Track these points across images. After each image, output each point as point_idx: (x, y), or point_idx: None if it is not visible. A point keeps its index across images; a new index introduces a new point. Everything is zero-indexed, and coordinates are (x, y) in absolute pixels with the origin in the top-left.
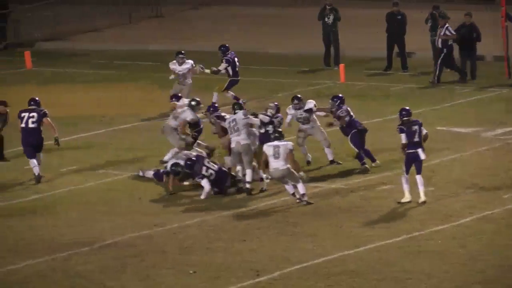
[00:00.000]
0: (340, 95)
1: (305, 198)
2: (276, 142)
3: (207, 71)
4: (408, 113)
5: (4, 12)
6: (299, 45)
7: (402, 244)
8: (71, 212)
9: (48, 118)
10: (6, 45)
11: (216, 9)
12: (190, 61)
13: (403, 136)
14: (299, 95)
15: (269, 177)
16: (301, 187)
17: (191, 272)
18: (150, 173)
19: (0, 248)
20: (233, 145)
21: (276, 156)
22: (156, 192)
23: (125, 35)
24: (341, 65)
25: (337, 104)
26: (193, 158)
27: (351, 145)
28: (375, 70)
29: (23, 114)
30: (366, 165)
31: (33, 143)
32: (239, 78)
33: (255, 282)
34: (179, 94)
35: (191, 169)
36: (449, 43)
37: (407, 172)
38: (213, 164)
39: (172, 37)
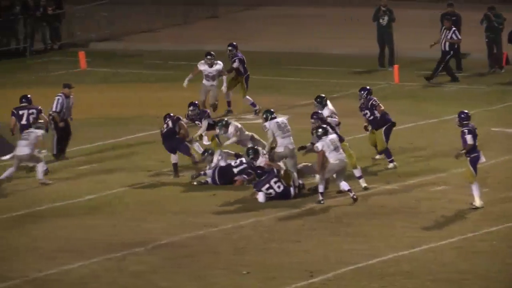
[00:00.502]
0: (368, 87)
1: (352, 194)
2: (330, 136)
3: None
4: (468, 117)
5: (58, 12)
6: (353, 45)
7: (456, 245)
8: (125, 213)
9: (43, 114)
10: (60, 46)
11: (271, 10)
12: (221, 63)
13: (469, 137)
14: (322, 95)
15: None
16: (345, 184)
17: (244, 272)
18: (208, 176)
19: (55, 248)
20: (281, 149)
21: (337, 149)
22: (210, 192)
23: (180, 36)
24: (396, 66)
25: (365, 95)
26: (264, 170)
27: (383, 137)
28: (430, 71)
29: (21, 112)
30: (395, 162)
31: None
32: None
33: (308, 283)
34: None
35: (259, 176)
36: (455, 46)
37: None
38: (280, 185)
39: (227, 37)
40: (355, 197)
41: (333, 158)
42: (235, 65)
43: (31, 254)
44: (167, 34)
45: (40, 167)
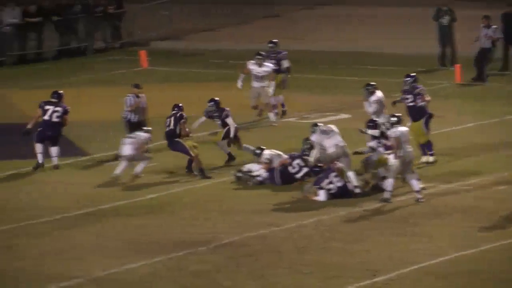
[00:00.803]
0: (413, 74)
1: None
2: (402, 128)
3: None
4: None
5: (119, 11)
6: (414, 45)
7: None
8: (187, 212)
9: (67, 116)
10: (121, 45)
11: (328, 9)
12: (271, 65)
13: None
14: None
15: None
16: (416, 184)
17: (306, 272)
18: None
19: (118, 247)
20: (331, 149)
21: (407, 142)
22: (272, 191)
23: (239, 35)
24: (457, 66)
25: (410, 81)
26: (321, 166)
27: (424, 129)
28: (491, 71)
29: (47, 107)
30: (434, 156)
31: (50, 136)
32: None
33: (371, 282)
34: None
35: (316, 175)
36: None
37: None
38: (340, 179)
39: (286, 37)
40: (422, 200)
41: (401, 151)
42: (287, 63)
43: (94, 253)
44: (226, 33)
45: (144, 164)
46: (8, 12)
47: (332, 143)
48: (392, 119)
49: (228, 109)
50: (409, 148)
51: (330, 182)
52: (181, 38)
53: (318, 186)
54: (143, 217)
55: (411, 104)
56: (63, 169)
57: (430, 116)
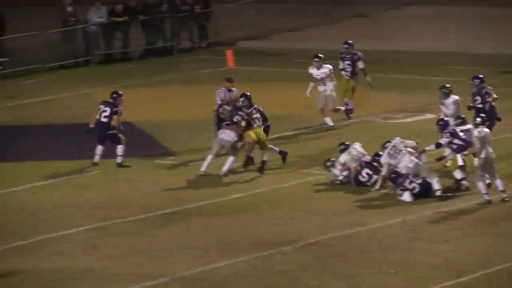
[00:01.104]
0: (481, 75)
1: (504, 195)
2: (486, 129)
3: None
4: None
5: (206, 11)
6: (501, 45)
7: None
8: (273, 211)
9: (116, 116)
10: (208, 44)
11: (418, 9)
12: (329, 66)
13: None
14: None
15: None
16: (500, 184)
17: (391, 272)
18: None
19: (203, 246)
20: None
21: (488, 144)
22: (356, 192)
23: (326, 35)
24: None
25: (477, 83)
26: (398, 171)
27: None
28: None
29: (100, 106)
30: None
31: (98, 135)
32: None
33: (456, 282)
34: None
35: (394, 181)
36: None
37: None
38: (418, 178)
39: (372, 37)
40: (506, 199)
41: (484, 152)
42: (362, 65)
43: (179, 252)
44: (313, 33)
45: (231, 161)
46: (94, 12)
47: (403, 165)
48: (478, 119)
49: (256, 106)
50: (491, 149)
51: (411, 182)
52: (267, 37)
53: (402, 188)
54: (228, 216)
55: (480, 105)
56: (148, 168)
57: (498, 119)
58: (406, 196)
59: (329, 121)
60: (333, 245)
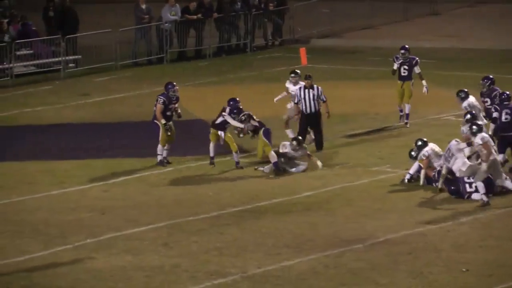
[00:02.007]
0: (491, 76)
1: None
2: (484, 134)
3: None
4: None
5: (280, 8)
6: None
7: None
8: (344, 209)
9: (158, 105)
10: (282, 42)
11: (494, 7)
12: (303, 83)
13: None
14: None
15: None
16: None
17: (463, 270)
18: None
19: (274, 244)
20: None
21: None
22: (427, 190)
23: (400, 32)
24: None
25: (487, 84)
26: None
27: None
28: None
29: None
30: None
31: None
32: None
33: None
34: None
35: (454, 194)
36: None
37: None
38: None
39: (447, 35)
40: None
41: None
42: (418, 70)
43: (250, 250)
44: (387, 31)
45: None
46: (168, 9)
47: (456, 168)
48: (474, 127)
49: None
50: (495, 153)
51: (470, 184)
52: (341, 35)
53: (468, 195)
54: (299, 214)
55: (490, 106)
56: (220, 166)
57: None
58: (475, 196)
59: (290, 133)
60: (405, 243)
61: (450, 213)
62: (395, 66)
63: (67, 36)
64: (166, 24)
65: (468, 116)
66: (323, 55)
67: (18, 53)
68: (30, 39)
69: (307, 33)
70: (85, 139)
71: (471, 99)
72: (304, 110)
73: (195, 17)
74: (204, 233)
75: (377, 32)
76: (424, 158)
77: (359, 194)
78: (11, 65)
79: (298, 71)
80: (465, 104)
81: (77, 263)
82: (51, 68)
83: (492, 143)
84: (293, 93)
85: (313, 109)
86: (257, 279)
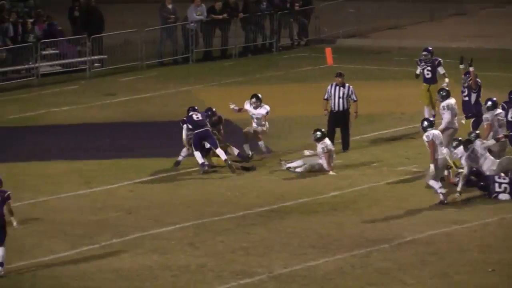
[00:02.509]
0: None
1: None
2: (435, 130)
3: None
4: None
5: (306, 8)
6: None
7: None
8: (370, 209)
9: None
10: (307, 42)
11: None
12: (267, 107)
13: None
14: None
15: None
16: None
17: (489, 270)
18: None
19: (302, 244)
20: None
21: (441, 144)
22: (453, 190)
23: (426, 33)
24: None
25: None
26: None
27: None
28: None
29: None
30: None
31: None
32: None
33: None
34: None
35: (483, 189)
36: None
37: None
38: (504, 177)
39: (474, 35)
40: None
41: (436, 154)
42: (443, 70)
43: (277, 249)
44: (413, 31)
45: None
46: (194, 9)
47: (486, 168)
48: (425, 123)
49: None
50: (444, 151)
51: (500, 184)
52: (367, 35)
53: (495, 195)
54: (326, 214)
55: (466, 98)
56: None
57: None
58: (502, 196)
59: (246, 148)
60: (431, 243)
61: (476, 213)
62: (418, 70)
63: (93, 36)
64: (192, 24)
65: (489, 103)
66: (349, 55)
67: (43, 52)
68: (56, 39)
69: (333, 33)
70: (111, 139)
71: (451, 100)
72: (332, 107)
73: (220, 16)
74: (230, 233)
75: (403, 32)
76: (427, 140)
77: (386, 194)
78: (37, 64)
79: (260, 95)
80: (444, 103)
81: (104, 263)
82: (77, 68)
83: (438, 142)
84: (254, 116)
85: (341, 108)
86: (283, 279)
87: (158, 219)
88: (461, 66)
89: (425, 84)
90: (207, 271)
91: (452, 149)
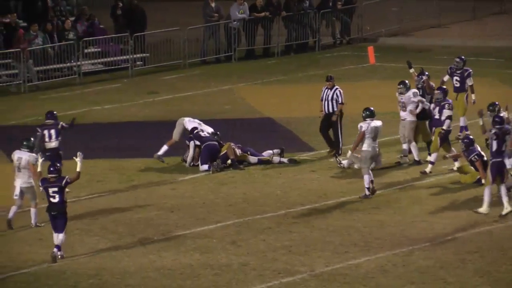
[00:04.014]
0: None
1: None
2: (376, 122)
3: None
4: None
5: (349, 7)
6: None
7: None
8: (412, 208)
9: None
10: (350, 40)
11: None
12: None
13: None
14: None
15: None
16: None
17: None
18: None
19: (342, 243)
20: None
21: (375, 138)
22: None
23: (469, 31)
24: None
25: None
26: None
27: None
28: None
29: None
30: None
31: None
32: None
33: None
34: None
35: None
36: None
37: None
38: None
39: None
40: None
41: (367, 144)
42: (470, 82)
43: (319, 248)
44: (455, 30)
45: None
46: (236, 7)
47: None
48: (366, 112)
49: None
50: (375, 144)
51: None
52: (410, 34)
53: None
54: (367, 212)
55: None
56: (287, 164)
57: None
58: None
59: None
60: (472, 242)
61: None
62: (446, 78)
63: (135, 34)
64: (235, 23)
65: (366, 113)
66: (391, 53)
67: (86, 51)
68: (98, 37)
69: (375, 31)
70: (155, 137)
71: (409, 93)
72: (324, 110)
73: (262, 14)
74: (272, 232)
75: (445, 31)
76: (360, 130)
77: (427, 193)
78: (79, 63)
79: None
80: (408, 93)
81: (145, 261)
82: (119, 66)
83: (371, 135)
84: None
85: (331, 110)
86: (325, 277)
87: (200, 218)
88: (411, 71)
89: (454, 93)
90: (249, 269)
91: None
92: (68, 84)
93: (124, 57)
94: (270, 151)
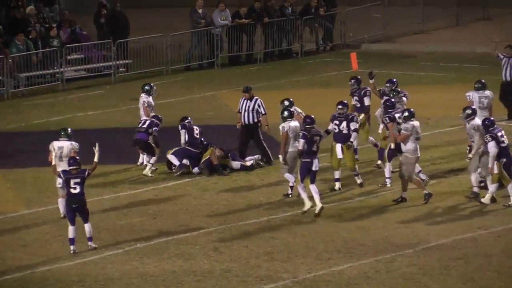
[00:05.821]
0: (359, 77)
1: None
2: (294, 122)
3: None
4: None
5: (331, 13)
6: None
7: None
8: (395, 214)
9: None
10: (332, 47)
11: None
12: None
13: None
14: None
15: None
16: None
17: None
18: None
19: (327, 249)
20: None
21: (296, 137)
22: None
23: (452, 37)
24: None
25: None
26: None
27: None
28: None
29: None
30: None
31: None
32: None
33: None
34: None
35: None
36: None
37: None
38: None
39: (500, 40)
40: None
41: (290, 145)
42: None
43: (302, 254)
44: (438, 36)
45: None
46: (218, 14)
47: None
48: (285, 112)
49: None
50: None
51: None
52: (393, 40)
53: None
54: (350, 219)
55: (358, 105)
56: (268, 171)
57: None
58: None
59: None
60: (456, 248)
61: (501, 218)
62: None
63: (118, 41)
64: (217, 29)
65: (286, 113)
66: (374, 60)
67: (68, 57)
68: (81, 44)
69: (358, 38)
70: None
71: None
72: (242, 121)
73: (246, 21)
74: (254, 238)
75: (429, 37)
76: (282, 131)
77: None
78: (61, 69)
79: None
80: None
81: (128, 268)
82: (102, 73)
83: (292, 135)
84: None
85: (250, 121)
86: (308, 284)
87: (182, 224)
88: (371, 81)
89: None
90: (232, 276)
91: None
92: (51, 91)
93: (107, 63)
94: (252, 157)
